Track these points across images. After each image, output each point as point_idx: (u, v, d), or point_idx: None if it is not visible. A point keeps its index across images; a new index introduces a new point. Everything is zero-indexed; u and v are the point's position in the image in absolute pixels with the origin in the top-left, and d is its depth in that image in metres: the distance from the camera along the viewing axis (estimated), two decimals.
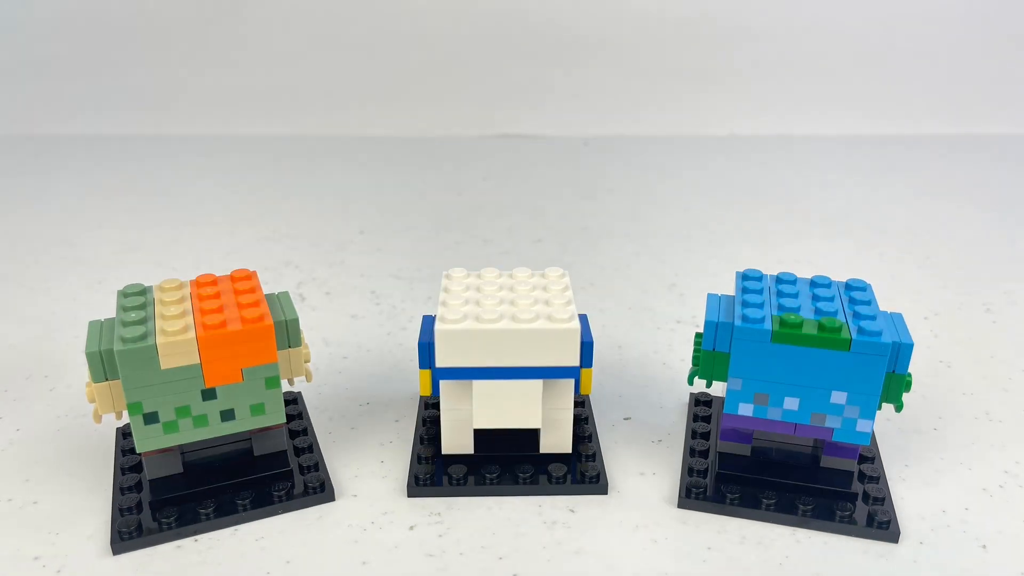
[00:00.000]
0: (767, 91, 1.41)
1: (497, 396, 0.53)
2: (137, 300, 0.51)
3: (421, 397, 0.63)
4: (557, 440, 0.56)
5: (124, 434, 0.58)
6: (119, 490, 0.53)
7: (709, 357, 0.52)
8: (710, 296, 0.54)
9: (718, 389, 0.64)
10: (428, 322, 0.55)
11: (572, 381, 0.54)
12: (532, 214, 1.02)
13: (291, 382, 0.54)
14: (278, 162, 1.22)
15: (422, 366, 0.54)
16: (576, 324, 0.51)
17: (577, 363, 0.52)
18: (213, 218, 1.01)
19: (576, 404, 0.60)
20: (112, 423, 0.61)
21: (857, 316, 0.50)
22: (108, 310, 0.72)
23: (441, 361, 0.51)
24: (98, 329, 0.50)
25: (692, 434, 0.58)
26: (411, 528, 0.51)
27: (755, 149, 1.26)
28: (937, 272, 0.87)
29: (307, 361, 0.54)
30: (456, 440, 0.56)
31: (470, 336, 0.51)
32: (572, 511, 0.53)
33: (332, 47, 1.42)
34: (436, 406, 0.61)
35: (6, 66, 1.40)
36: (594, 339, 0.56)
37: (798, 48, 1.42)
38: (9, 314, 0.78)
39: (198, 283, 0.53)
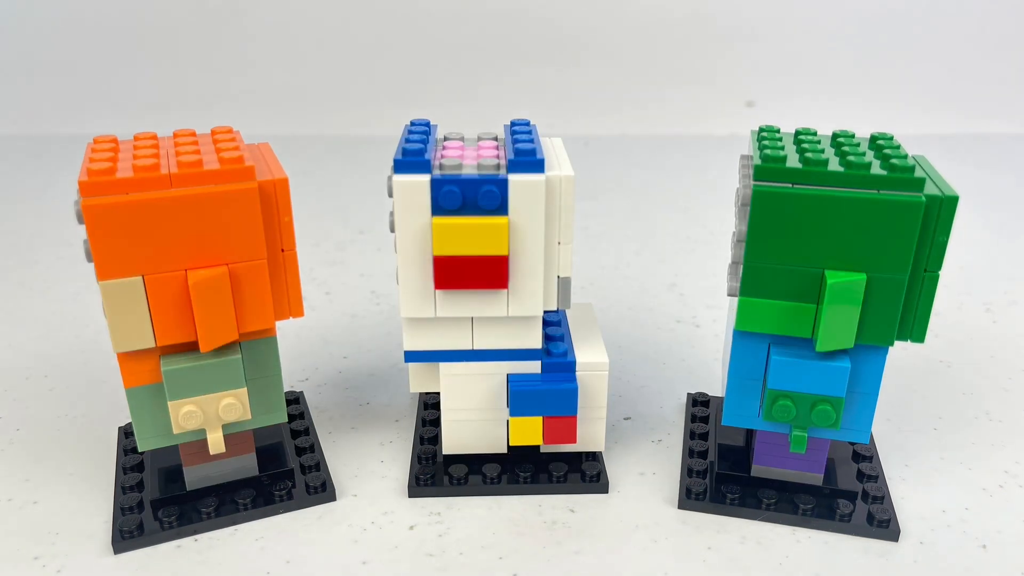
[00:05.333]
0: (767, 91, 1.42)
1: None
2: None
3: (420, 397, 0.63)
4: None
5: (126, 433, 0.58)
6: (120, 489, 0.53)
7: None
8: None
9: (718, 389, 0.64)
10: None
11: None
12: None
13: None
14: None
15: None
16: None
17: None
18: None
19: None
20: (113, 424, 0.61)
21: None
22: None
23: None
24: None
25: (691, 435, 0.58)
26: (411, 528, 0.51)
27: None
28: None
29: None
30: (457, 440, 0.55)
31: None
32: (572, 511, 0.53)
33: (332, 47, 1.42)
34: (436, 406, 0.61)
35: (6, 66, 1.41)
36: None
37: (798, 48, 1.42)
38: (9, 314, 0.78)
39: None
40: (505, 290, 0.49)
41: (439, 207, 0.46)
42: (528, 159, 0.47)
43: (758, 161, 0.45)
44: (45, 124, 1.38)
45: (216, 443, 0.49)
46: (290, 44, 1.42)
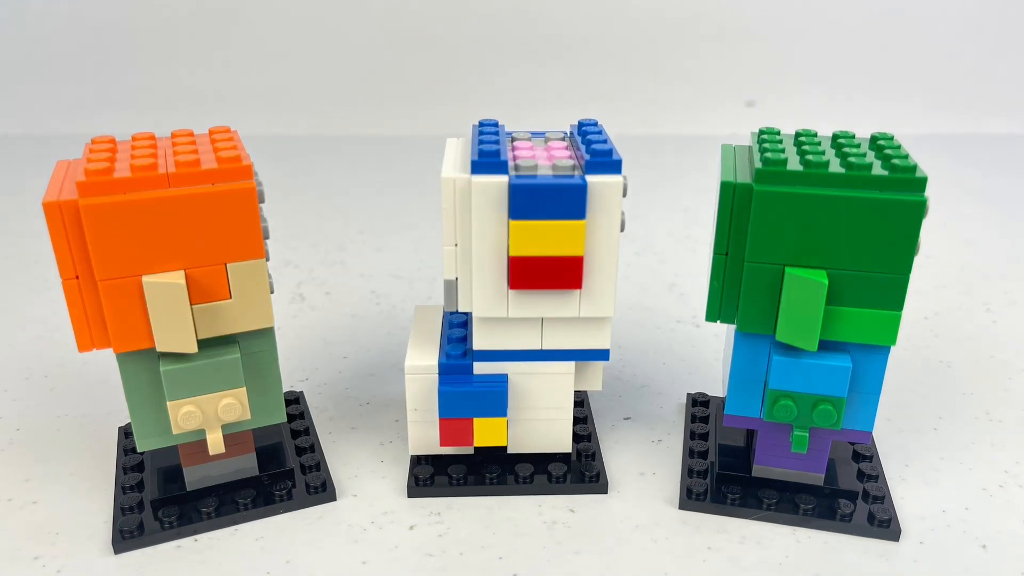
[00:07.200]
0: (767, 91, 1.42)
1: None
2: None
3: None
4: (556, 440, 0.56)
5: (126, 433, 0.58)
6: (120, 489, 0.53)
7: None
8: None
9: (718, 389, 0.64)
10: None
11: (571, 379, 0.53)
12: None
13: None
14: (278, 162, 1.22)
15: None
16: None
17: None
18: None
19: (576, 404, 0.60)
20: (113, 424, 0.61)
21: None
22: None
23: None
24: None
25: (691, 435, 0.58)
26: (411, 528, 0.51)
27: None
28: (937, 272, 0.87)
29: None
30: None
31: None
32: (572, 511, 0.53)
33: (331, 47, 1.42)
34: None
35: (6, 66, 1.41)
36: None
37: (797, 48, 1.42)
38: (9, 314, 0.78)
39: None
40: (578, 291, 0.49)
41: (517, 207, 0.46)
42: (605, 159, 0.46)
43: (759, 164, 0.46)
44: (45, 124, 1.38)
45: (215, 443, 0.49)
46: (290, 44, 1.42)
